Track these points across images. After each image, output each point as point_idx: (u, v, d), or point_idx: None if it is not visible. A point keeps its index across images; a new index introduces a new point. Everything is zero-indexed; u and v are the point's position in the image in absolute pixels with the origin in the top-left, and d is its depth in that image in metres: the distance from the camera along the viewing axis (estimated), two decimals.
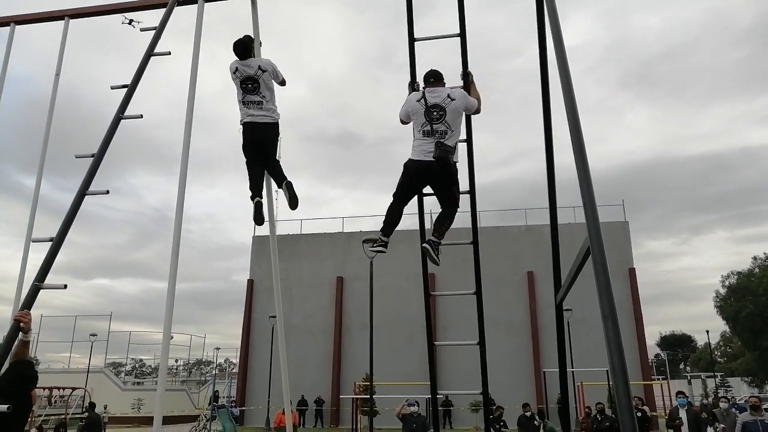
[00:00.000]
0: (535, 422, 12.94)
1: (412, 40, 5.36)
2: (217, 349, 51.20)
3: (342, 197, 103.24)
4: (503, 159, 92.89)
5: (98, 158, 4.54)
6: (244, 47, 5.24)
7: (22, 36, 5.92)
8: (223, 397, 34.44)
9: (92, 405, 16.46)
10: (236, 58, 5.27)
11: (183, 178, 4.81)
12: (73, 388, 27.62)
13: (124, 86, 5.03)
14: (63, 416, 27.35)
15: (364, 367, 23.05)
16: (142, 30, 5.53)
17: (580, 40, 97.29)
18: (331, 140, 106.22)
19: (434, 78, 4.83)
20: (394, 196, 4.78)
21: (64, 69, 5.70)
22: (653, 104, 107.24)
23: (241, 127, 5.24)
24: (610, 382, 18.55)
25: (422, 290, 6.07)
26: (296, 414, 27.43)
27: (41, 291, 3.86)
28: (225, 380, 43.90)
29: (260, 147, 5.22)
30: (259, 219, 5.14)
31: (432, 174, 4.63)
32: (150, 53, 5.19)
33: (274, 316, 15.02)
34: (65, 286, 3.79)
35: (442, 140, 4.51)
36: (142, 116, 4.94)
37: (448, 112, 4.57)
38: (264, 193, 5.37)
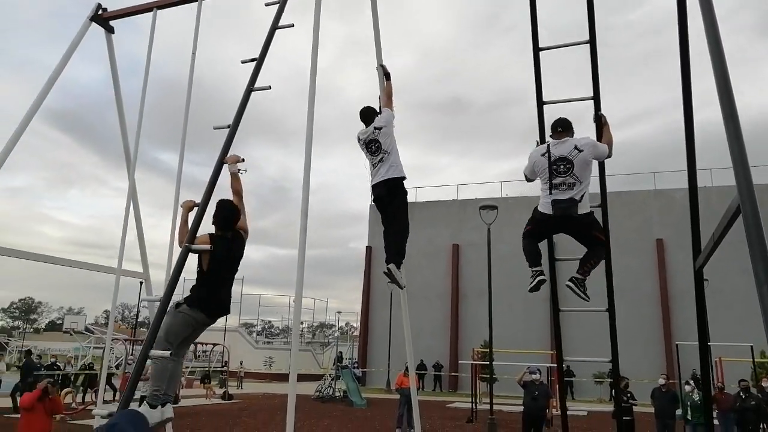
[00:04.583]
0: (688, 386, 11.87)
1: (537, 50, 5.15)
2: (339, 312, 53.47)
3: (451, 165, 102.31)
4: (625, 119, 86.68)
5: (233, 128, 4.86)
6: (367, 114, 5.50)
7: (142, 21, 6.35)
8: (346, 359, 36.06)
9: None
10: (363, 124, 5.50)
11: (308, 155, 5.03)
12: (214, 344, 30.44)
13: (252, 60, 5.30)
14: (206, 368, 30.37)
15: (482, 334, 23.05)
16: (266, 5, 5.77)
17: None
18: (438, 107, 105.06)
19: (562, 127, 4.53)
20: (524, 235, 4.67)
21: (182, 50, 6.09)
22: None
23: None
24: (755, 359, 17.10)
25: None
26: (416, 377, 28.14)
27: (189, 253, 4.25)
28: (347, 343, 45.93)
29: (385, 204, 5.35)
30: None
31: (560, 226, 4.46)
32: (275, 26, 5.42)
33: None
34: (211, 247, 4.14)
35: (559, 197, 4.29)
36: (270, 87, 5.20)
37: (576, 165, 4.29)
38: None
